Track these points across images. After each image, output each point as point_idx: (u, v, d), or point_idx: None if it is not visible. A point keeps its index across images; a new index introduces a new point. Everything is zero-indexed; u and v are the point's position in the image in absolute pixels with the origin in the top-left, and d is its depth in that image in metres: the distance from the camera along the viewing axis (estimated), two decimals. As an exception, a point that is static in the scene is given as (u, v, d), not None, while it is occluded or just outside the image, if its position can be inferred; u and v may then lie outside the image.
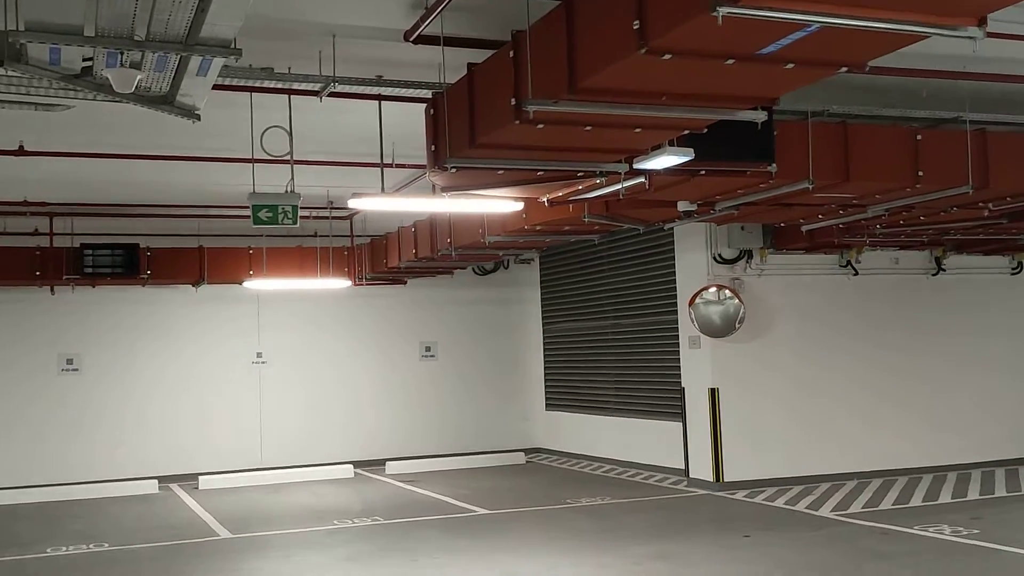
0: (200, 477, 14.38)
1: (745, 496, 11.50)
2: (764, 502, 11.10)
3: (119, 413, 14.95)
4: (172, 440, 15.13)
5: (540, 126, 5.49)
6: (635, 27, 4.28)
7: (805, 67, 4.54)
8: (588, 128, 5.59)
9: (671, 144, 6.29)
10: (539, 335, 17.07)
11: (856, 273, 12.77)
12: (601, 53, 4.64)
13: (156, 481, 14.20)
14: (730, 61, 4.42)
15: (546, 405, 16.95)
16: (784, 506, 10.77)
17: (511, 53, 5.56)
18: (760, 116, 5.46)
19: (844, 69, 4.65)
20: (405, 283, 16.29)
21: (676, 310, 12.93)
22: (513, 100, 5.46)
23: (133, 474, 14.56)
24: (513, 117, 5.45)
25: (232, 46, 5.16)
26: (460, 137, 6.24)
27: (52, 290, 13.99)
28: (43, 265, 13.47)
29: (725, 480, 11.96)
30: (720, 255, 12.23)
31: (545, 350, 16.96)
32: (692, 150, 6.31)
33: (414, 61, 7.56)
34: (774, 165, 7.23)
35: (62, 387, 14.76)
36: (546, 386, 16.96)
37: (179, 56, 5.27)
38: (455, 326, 16.98)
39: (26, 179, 11.12)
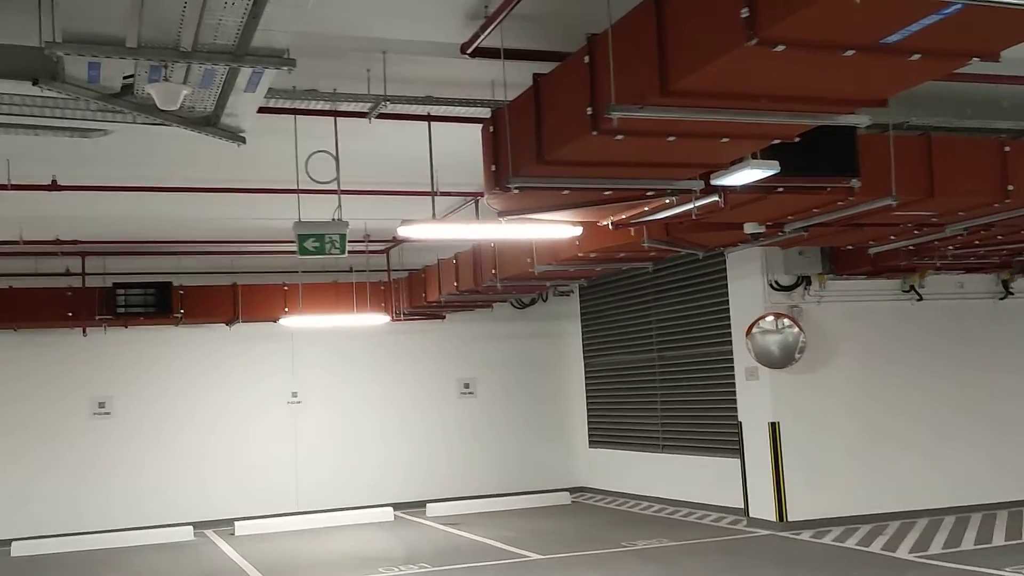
0: (236, 523, 13.87)
1: (812, 536, 10.85)
2: (834, 543, 10.45)
3: (152, 457, 14.51)
4: (206, 485, 14.66)
5: (619, 137, 5.01)
6: (744, 15, 3.80)
7: (932, 58, 4.04)
8: (671, 139, 5.10)
9: (754, 157, 5.79)
10: (580, 369, 16.52)
11: (920, 298, 12.17)
12: (700, 48, 4.16)
13: (191, 527, 13.71)
14: (849, 52, 3.93)
15: (589, 442, 16.36)
16: (856, 547, 10.12)
17: (586, 58, 5.09)
18: (863, 120, 4.97)
19: (974, 60, 4.15)
20: (443, 318, 15.82)
21: (730, 340, 12.35)
22: (589, 109, 4.99)
23: (167, 520, 14.08)
24: (590, 128, 4.98)
25: (286, 55, 4.73)
26: (525, 154, 5.77)
27: (84, 331, 13.61)
28: (75, 306, 13.12)
29: (789, 519, 11.32)
30: (777, 282, 11.68)
31: (587, 385, 16.40)
32: (778, 163, 5.81)
33: (467, 80, 7.14)
34: (857, 180, 6.71)
35: (94, 431, 14.34)
36: (589, 422, 16.38)
37: (227, 69, 4.85)
38: (493, 361, 16.47)
39: (58, 217, 10.79)
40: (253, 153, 8.68)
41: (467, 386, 16.32)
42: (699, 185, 6.24)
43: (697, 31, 4.20)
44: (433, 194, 7.67)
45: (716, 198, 6.59)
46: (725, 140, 5.18)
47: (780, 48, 3.84)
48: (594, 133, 4.96)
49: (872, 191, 7.15)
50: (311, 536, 13.19)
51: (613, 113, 4.57)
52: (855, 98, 4.63)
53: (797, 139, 5.35)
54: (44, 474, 14.00)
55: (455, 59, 6.56)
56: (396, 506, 15.02)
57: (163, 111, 5.31)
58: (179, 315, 13.57)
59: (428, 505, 14.85)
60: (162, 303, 13.36)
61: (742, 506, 12.06)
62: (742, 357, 11.97)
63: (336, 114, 7.09)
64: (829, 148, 6.52)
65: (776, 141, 5.38)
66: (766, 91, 4.43)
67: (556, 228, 7.48)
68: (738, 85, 4.36)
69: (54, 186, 8.78)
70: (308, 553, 11.87)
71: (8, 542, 13.24)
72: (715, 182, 6.09)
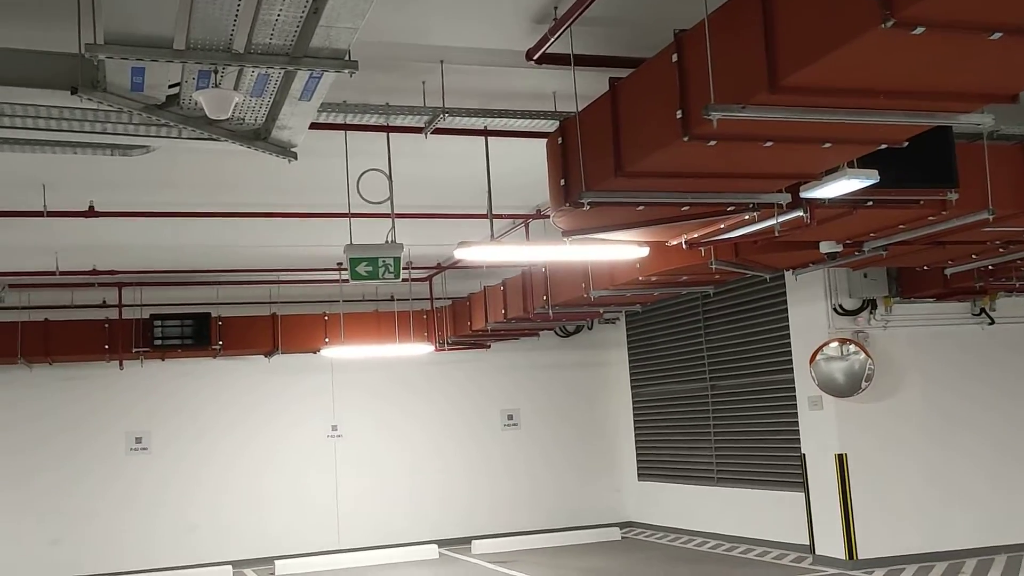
0: (276, 561, 13.39)
1: (885, 575, 10.20)
2: (911, 583, 9.81)
3: (190, 494, 14.07)
4: (246, 522, 14.20)
5: (712, 143, 4.53)
6: (878, -8, 3.32)
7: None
8: (767, 144, 4.61)
9: (850, 166, 5.29)
10: (628, 399, 15.95)
11: (992, 322, 11.54)
12: (819, 35, 3.67)
13: (230, 566, 13.25)
14: (996, 35, 3.43)
15: (638, 475, 15.75)
16: (937, 587, 9.48)
17: (674, 56, 4.62)
18: (987, 120, 4.46)
19: None
20: (488, 347, 15.34)
21: (791, 368, 11.76)
22: (680, 112, 4.51)
23: (206, 559, 13.65)
24: (680, 133, 4.50)
25: (347, 57, 4.31)
26: (601, 166, 5.30)
27: (121, 364, 13.26)
28: (112, 339, 12.78)
29: (859, 557, 10.67)
30: (841, 306, 11.11)
31: (635, 415, 15.81)
32: (876, 172, 5.30)
33: (528, 92, 6.74)
34: (955, 192, 6.19)
35: (130, 468, 13.94)
36: (638, 454, 15.78)
37: (282, 73, 4.43)
38: (537, 392, 15.95)
39: (95, 246, 10.49)
40: (297, 176, 8.34)
41: (511, 417, 15.80)
42: (786, 198, 5.73)
43: (815, 16, 3.70)
44: (490, 216, 7.21)
45: (801, 213, 6.07)
46: (827, 145, 4.69)
47: (919, 31, 3.36)
48: (685, 139, 4.48)
49: (966, 205, 6.62)
50: (353, 575, 12.68)
51: (712, 114, 4.09)
52: (986, 92, 4.11)
53: (906, 143, 4.85)
54: (80, 512, 13.61)
55: (517, 68, 6.16)
56: (440, 543, 14.49)
57: (211, 123, 4.91)
58: (217, 347, 13.20)
59: (473, 542, 14.31)
60: (200, 335, 12.99)
61: (807, 543, 11.42)
62: (804, 385, 11.38)
63: (389, 129, 6.68)
64: (924, 157, 6.00)
65: (883, 146, 4.87)
66: (890, 85, 3.93)
67: (624, 248, 7.00)
68: (859, 79, 3.86)
69: (91, 212, 8.44)
70: (352, 594, 11.38)
71: (43, 583, 12.88)
72: (805, 194, 5.58)
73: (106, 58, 4.05)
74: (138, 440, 14.01)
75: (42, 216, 8.19)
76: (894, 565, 10.58)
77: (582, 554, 13.34)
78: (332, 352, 13.13)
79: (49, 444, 13.65)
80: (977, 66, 3.79)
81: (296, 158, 5.48)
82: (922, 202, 6.35)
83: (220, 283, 12.84)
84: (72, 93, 4.41)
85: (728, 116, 4.11)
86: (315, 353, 13.93)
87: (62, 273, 10.92)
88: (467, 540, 14.58)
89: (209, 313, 13.15)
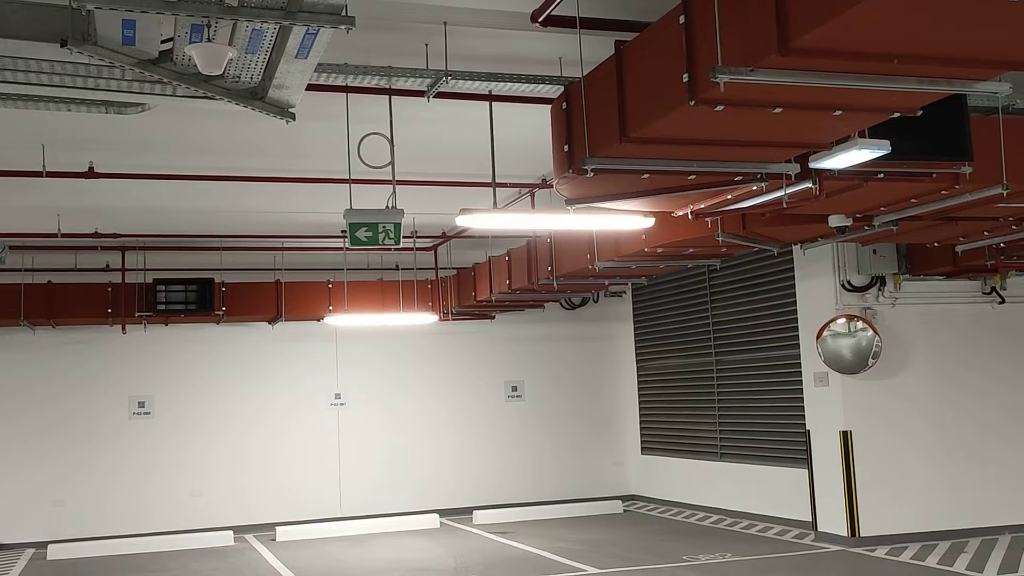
0: (277, 528, 13.40)
1: (887, 554, 10.14)
2: (913, 561, 9.72)
3: (192, 460, 14.09)
4: (248, 488, 14.21)
5: (719, 108, 4.39)
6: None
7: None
8: (776, 111, 4.47)
9: (861, 135, 5.15)
10: (632, 373, 15.88)
11: (1002, 301, 11.41)
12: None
13: (231, 532, 13.25)
14: (1017, -4, 3.29)
15: (641, 449, 15.71)
16: (939, 567, 9.39)
17: (681, 18, 4.48)
18: (1003, 89, 4.32)
19: None
20: (493, 318, 15.25)
21: (797, 344, 11.66)
22: (686, 76, 4.38)
23: (207, 524, 13.67)
24: (687, 97, 4.37)
25: (343, 12, 4.18)
26: (605, 131, 5.16)
27: (124, 329, 13.21)
28: (115, 303, 12.72)
29: (861, 535, 10.61)
30: (849, 282, 10.98)
31: (640, 389, 15.75)
32: (888, 143, 5.16)
33: (533, 56, 6.60)
34: (969, 166, 6.04)
35: (133, 432, 13.94)
36: (641, 428, 15.73)
37: (277, 29, 4.30)
38: (542, 364, 15.88)
39: (97, 208, 10.40)
40: (300, 140, 8.23)
41: (515, 389, 15.74)
42: (795, 169, 5.59)
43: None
44: (494, 183, 7.09)
45: (810, 184, 5.93)
46: (838, 113, 4.55)
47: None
48: (691, 103, 4.35)
49: (979, 179, 6.47)
50: (354, 543, 12.68)
51: (719, 77, 3.95)
52: (1004, 58, 3.96)
53: (919, 112, 4.71)
54: (82, 475, 13.64)
55: (522, 32, 6.02)
56: (442, 513, 14.48)
57: (206, 80, 4.79)
58: (221, 313, 13.13)
59: (475, 512, 14.30)
60: (203, 300, 12.92)
61: (809, 519, 11.36)
62: (810, 361, 11.29)
63: (391, 92, 6.55)
64: (937, 129, 5.86)
65: (895, 115, 4.73)
66: (905, 49, 3.79)
67: (628, 219, 6.88)
68: (873, 41, 3.71)
69: (91, 173, 8.34)
70: (352, 561, 11.36)
71: (44, 544, 12.89)
72: (815, 165, 5.45)
73: (94, 8, 3.93)
74: (141, 405, 14.00)
75: (41, 176, 8.10)
76: (896, 543, 10.51)
77: (583, 526, 13.32)
78: (336, 320, 13.07)
79: (52, 407, 13.66)
80: (994, 30, 3.64)
81: (294, 118, 5.36)
82: (935, 175, 6.20)
83: (224, 248, 12.76)
84: (62, 46, 4.29)
85: (736, 79, 3.97)
86: (319, 321, 13.87)
87: (64, 235, 10.84)
88: (468, 510, 14.57)
89: (212, 279, 13.07)
